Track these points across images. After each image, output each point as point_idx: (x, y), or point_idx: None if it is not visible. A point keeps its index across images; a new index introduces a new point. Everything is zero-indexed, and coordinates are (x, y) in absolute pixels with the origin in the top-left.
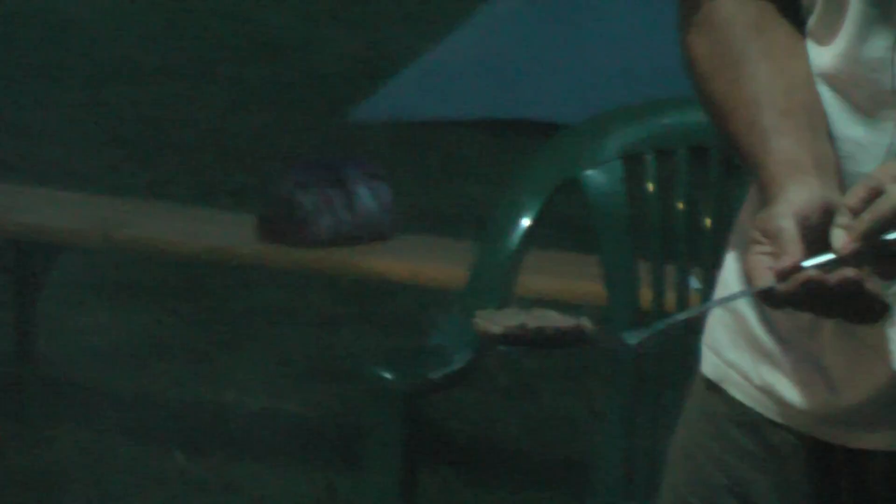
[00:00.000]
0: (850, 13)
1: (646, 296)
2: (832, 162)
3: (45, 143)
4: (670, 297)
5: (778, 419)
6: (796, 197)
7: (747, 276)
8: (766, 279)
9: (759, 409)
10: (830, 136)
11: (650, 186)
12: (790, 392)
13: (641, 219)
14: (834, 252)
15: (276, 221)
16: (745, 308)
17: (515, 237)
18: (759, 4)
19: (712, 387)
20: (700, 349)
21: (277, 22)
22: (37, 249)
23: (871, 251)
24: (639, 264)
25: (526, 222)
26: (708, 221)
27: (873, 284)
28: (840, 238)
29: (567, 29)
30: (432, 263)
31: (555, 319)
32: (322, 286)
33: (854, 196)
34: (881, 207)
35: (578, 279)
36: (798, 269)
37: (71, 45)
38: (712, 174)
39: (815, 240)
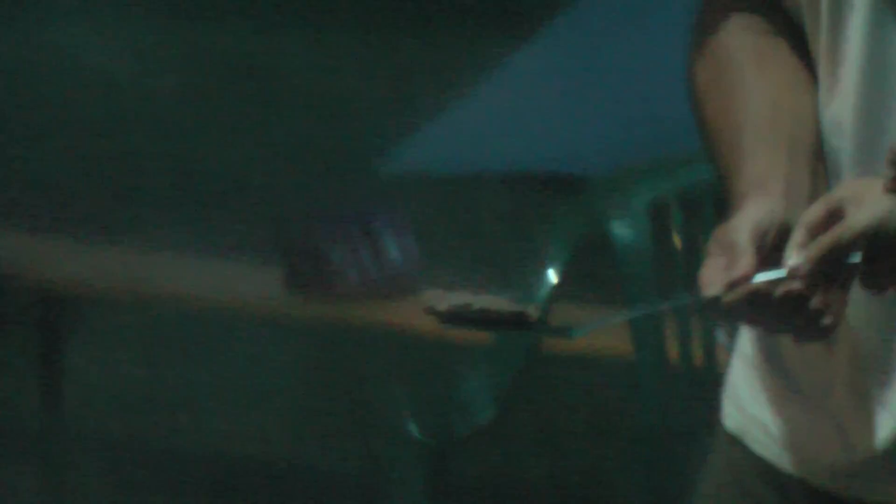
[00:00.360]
0: (847, 74)
1: (673, 349)
2: (807, 191)
3: (71, 197)
4: (697, 351)
5: (796, 473)
6: (756, 213)
7: (699, 285)
8: (714, 288)
9: (779, 462)
10: (817, 171)
11: (676, 239)
12: (807, 446)
13: (668, 271)
14: (786, 269)
15: (303, 274)
16: (764, 362)
17: (542, 290)
18: (767, 39)
19: (733, 440)
20: (722, 402)
21: (305, 73)
22: (64, 303)
23: (823, 273)
24: (665, 318)
25: (552, 275)
26: None
27: (818, 301)
28: (793, 255)
29: (594, 83)
30: None
31: (500, 304)
32: (348, 340)
33: (813, 214)
34: (839, 233)
35: (605, 333)
36: (747, 281)
37: (97, 97)
38: None
39: (771, 257)
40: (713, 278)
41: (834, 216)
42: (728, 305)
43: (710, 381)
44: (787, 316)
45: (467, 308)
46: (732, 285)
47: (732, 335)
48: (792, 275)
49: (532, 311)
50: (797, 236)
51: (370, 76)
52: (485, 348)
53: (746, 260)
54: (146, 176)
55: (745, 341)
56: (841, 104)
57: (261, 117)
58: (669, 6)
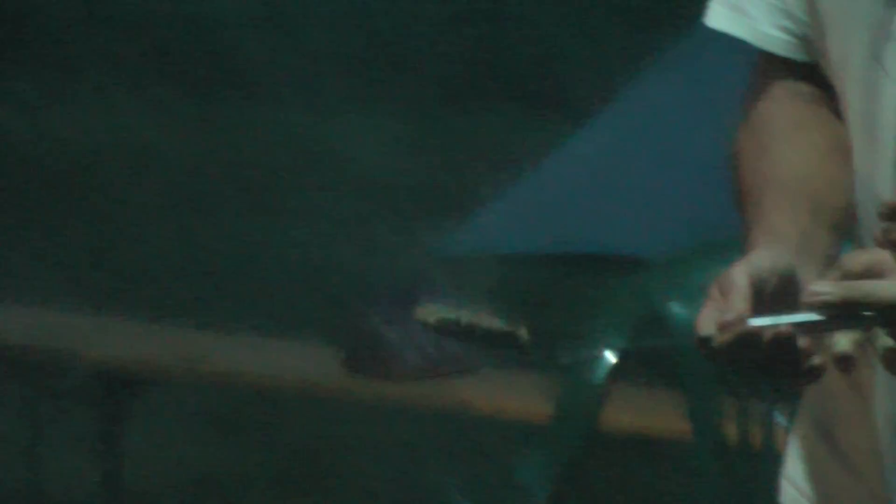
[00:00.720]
0: (884, 146)
1: (730, 430)
2: (824, 250)
3: (129, 276)
4: (755, 431)
5: None
6: (759, 259)
7: (695, 327)
8: (707, 329)
9: None
10: (840, 233)
11: None
12: None
13: None
14: (808, 293)
15: (361, 355)
16: (817, 440)
17: (600, 372)
18: (810, 107)
19: None
20: (781, 482)
21: (361, 155)
22: (122, 382)
23: (835, 315)
24: (723, 399)
25: (610, 357)
26: None
27: (806, 344)
28: (821, 283)
29: (650, 164)
30: (517, 398)
31: (490, 321)
32: (407, 420)
33: (855, 260)
34: (874, 292)
35: (663, 414)
36: (741, 324)
37: (154, 177)
38: None
39: (770, 303)
40: (708, 319)
41: (872, 273)
42: (718, 346)
43: (768, 462)
44: (776, 358)
45: (456, 322)
46: (725, 327)
47: (791, 415)
48: (809, 300)
49: (522, 333)
50: (831, 272)
51: (427, 157)
52: (542, 428)
53: (742, 304)
54: (204, 255)
55: (801, 420)
56: (879, 175)
57: (319, 198)
58: (726, 88)
